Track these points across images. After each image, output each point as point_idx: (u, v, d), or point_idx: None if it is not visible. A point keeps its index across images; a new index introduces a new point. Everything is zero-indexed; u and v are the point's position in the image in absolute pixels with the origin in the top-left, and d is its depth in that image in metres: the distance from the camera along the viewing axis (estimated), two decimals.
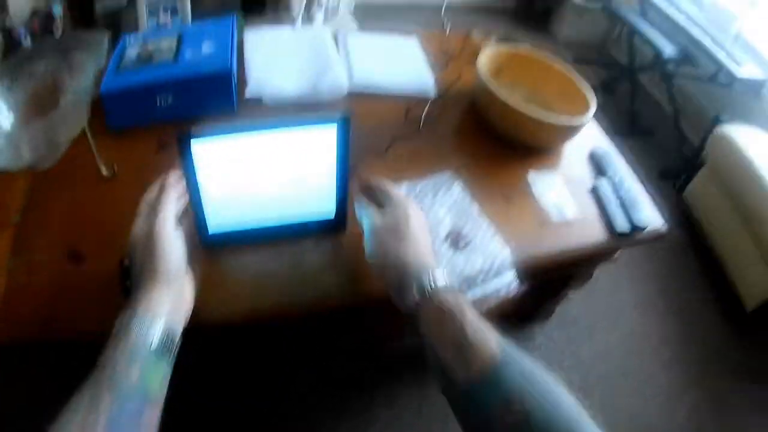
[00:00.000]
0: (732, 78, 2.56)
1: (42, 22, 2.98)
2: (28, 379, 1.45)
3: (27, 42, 2.86)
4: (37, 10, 3.03)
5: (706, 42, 2.66)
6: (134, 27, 2.96)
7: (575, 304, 2.13)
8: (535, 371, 0.67)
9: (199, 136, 0.97)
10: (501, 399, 0.62)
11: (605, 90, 3.39)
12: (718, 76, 2.69)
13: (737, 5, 2.90)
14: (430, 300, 0.74)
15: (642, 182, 1.45)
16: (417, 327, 0.76)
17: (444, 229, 1.19)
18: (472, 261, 1.15)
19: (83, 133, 1.19)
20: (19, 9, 3.02)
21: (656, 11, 3.01)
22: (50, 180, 1.27)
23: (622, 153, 1.54)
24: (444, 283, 0.76)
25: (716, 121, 2.45)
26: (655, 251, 2.47)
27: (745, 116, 2.55)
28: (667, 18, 2.93)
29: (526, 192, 1.36)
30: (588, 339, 2.09)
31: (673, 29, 2.92)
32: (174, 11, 2.95)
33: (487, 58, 1.53)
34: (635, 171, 1.47)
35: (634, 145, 2.89)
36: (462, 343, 0.68)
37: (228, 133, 0.99)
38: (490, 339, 0.69)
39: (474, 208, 1.25)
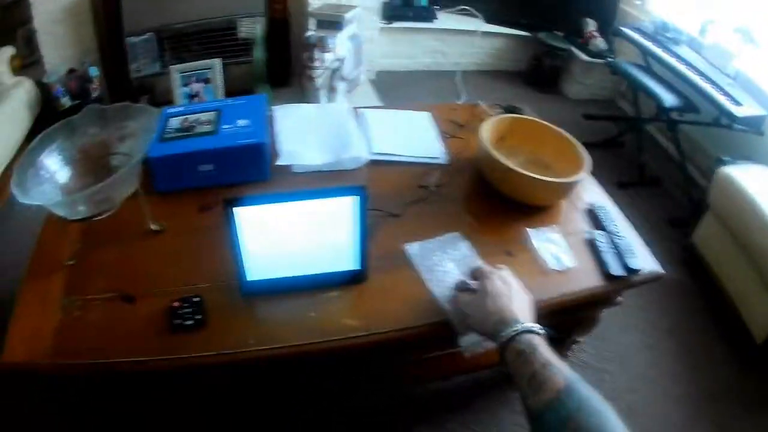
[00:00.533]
0: (733, 118, 2.65)
1: (79, 82, 3.22)
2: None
3: (66, 100, 3.10)
4: (74, 69, 3.28)
5: (706, 87, 2.76)
6: (168, 93, 3.21)
7: (586, 349, 2.24)
8: (593, 400, 0.83)
9: (242, 204, 1.17)
10: (562, 423, 0.79)
11: (615, 143, 3.51)
12: (720, 119, 2.78)
13: (735, 42, 2.99)
14: (512, 341, 0.97)
15: (649, 230, 1.58)
16: (505, 363, 0.98)
17: (451, 279, 1.35)
18: None
19: (134, 194, 1.39)
20: (55, 67, 3.28)
21: (659, 62, 3.15)
22: (102, 230, 1.46)
23: (632, 204, 1.67)
24: (528, 329, 0.99)
25: (719, 162, 2.51)
26: (665, 294, 2.54)
27: (749, 154, 2.63)
28: (668, 67, 3.06)
29: (526, 246, 1.52)
30: (599, 382, 2.16)
31: (674, 78, 3.05)
32: (206, 80, 3.18)
33: (489, 126, 1.71)
34: (644, 220, 1.59)
35: (643, 195, 3.03)
36: (533, 375, 0.88)
37: (265, 202, 1.20)
38: (556, 373, 0.87)
39: (478, 263, 1.42)
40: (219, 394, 1.63)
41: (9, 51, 3.17)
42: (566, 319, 1.82)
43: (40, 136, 1.37)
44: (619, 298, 1.67)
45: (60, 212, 1.30)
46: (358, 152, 1.72)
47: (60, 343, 1.22)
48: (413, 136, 1.89)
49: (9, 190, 2.46)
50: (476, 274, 1.19)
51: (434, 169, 1.75)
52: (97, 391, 1.50)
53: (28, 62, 3.44)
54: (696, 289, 2.60)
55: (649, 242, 1.57)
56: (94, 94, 3.21)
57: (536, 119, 1.81)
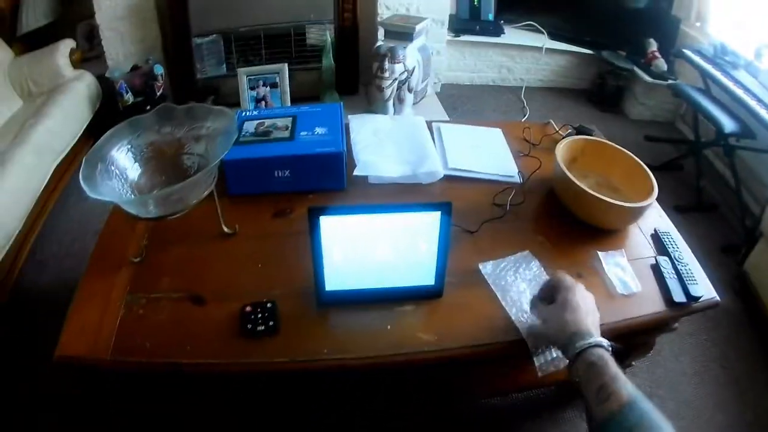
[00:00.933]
0: None
1: (143, 79, 3.27)
2: None
3: (128, 96, 3.15)
4: (138, 66, 3.33)
5: (763, 113, 2.73)
6: (234, 95, 3.24)
7: (638, 372, 2.23)
8: (654, 416, 0.89)
9: (327, 213, 1.19)
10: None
11: (673, 167, 3.47)
12: None
13: None
14: (585, 352, 1.03)
15: (702, 256, 1.58)
16: (573, 374, 1.05)
17: (525, 299, 1.37)
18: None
19: (207, 195, 1.40)
20: (117, 63, 3.33)
21: (718, 85, 3.12)
22: (172, 230, 1.50)
23: (687, 228, 1.66)
24: (600, 343, 1.06)
25: None
26: (716, 323, 2.52)
27: None
28: (726, 90, 3.02)
29: (595, 269, 1.53)
30: None
31: (732, 102, 3.02)
32: (273, 85, 3.21)
33: (563, 148, 1.73)
34: (698, 245, 1.58)
35: (699, 220, 3.00)
36: (601, 387, 0.94)
37: (350, 213, 1.22)
38: (622, 387, 0.93)
39: (560, 273, 1.43)
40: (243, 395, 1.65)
41: (70, 44, 3.25)
42: (624, 343, 1.82)
43: (110, 131, 1.39)
44: (676, 324, 1.67)
45: (131, 210, 1.32)
46: (435, 167, 1.75)
47: (122, 340, 1.25)
48: (487, 153, 1.91)
49: (67, 182, 2.54)
50: (557, 283, 1.21)
51: (509, 188, 1.77)
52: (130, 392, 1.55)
53: (88, 57, 3.52)
54: (746, 318, 2.56)
55: (702, 268, 1.57)
56: (159, 92, 3.25)
57: (607, 141, 1.82)
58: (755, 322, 2.52)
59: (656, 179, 1.65)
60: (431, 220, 1.23)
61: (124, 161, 1.39)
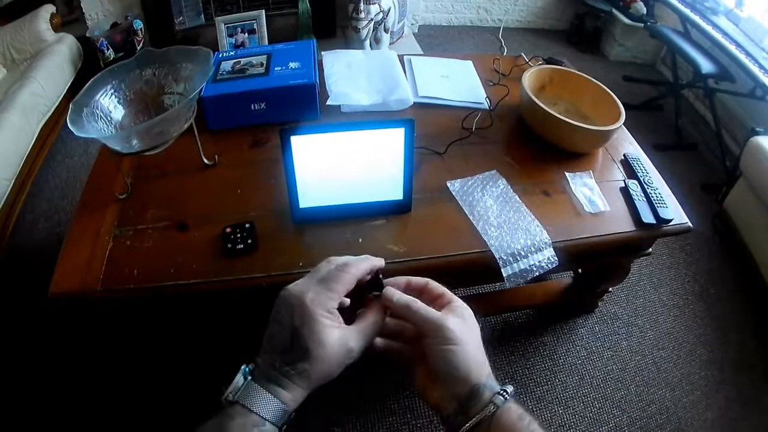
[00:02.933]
0: (767, 91, 2.67)
1: (124, 35, 3.29)
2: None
3: (109, 53, 3.17)
4: (117, 23, 3.35)
5: (742, 58, 2.76)
6: (213, 45, 3.24)
7: (617, 301, 2.30)
8: None
9: (298, 133, 1.24)
10: None
11: (653, 107, 3.51)
12: (755, 91, 2.80)
13: None
14: (503, 407, 0.61)
15: (682, 194, 1.63)
16: None
17: (492, 215, 1.42)
18: (516, 238, 1.38)
19: (187, 130, 1.45)
20: (98, 22, 3.35)
21: (697, 29, 3.13)
22: (155, 165, 1.57)
23: (667, 166, 1.70)
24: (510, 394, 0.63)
25: (753, 133, 2.52)
26: (696, 258, 2.58)
27: None
28: (706, 35, 3.05)
29: (563, 189, 1.58)
30: (627, 335, 2.21)
31: (712, 47, 3.05)
32: (251, 31, 3.23)
33: (531, 75, 1.77)
34: (678, 183, 1.62)
35: (678, 159, 3.04)
36: None
37: (319, 131, 1.27)
38: None
39: (516, 199, 1.48)
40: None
41: (50, 9, 3.26)
42: (597, 266, 1.88)
43: (95, 78, 1.44)
44: (649, 249, 1.72)
45: (114, 146, 1.37)
46: (405, 94, 1.80)
47: (111, 271, 1.31)
48: (457, 83, 1.96)
49: (53, 141, 2.55)
50: (437, 297, 0.70)
51: (477, 113, 1.81)
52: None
53: (68, 20, 3.53)
54: (726, 255, 2.62)
55: (682, 204, 1.60)
56: (139, 47, 3.28)
57: (575, 71, 1.85)
58: (735, 261, 2.57)
59: (635, 119, 1.70)
60: (396, 136, 1.28)
61: (109, 104, 1.45)
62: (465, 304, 0.68)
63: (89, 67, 3.20)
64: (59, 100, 2.96)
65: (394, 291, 0.67)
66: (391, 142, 1.30)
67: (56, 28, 3.23)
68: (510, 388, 0.63)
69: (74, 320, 2.00)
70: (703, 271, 2.52)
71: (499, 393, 0.62)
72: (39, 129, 2.76)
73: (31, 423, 1.81)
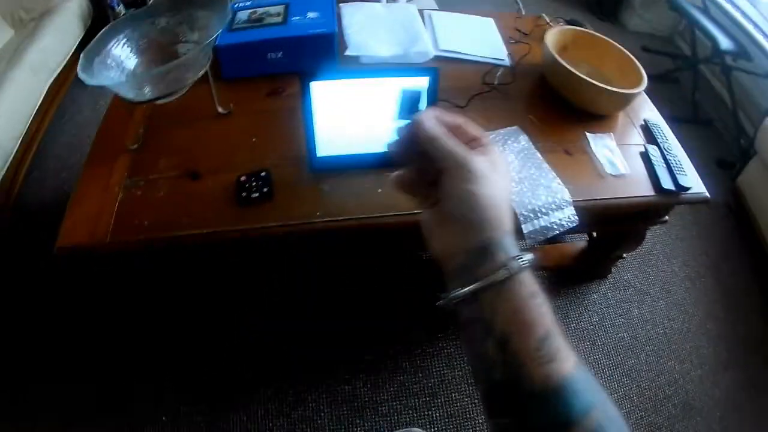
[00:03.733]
0: None
1: None
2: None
3: (120, 8, 3.11)
4: None
5: (760, 38, 2.74)
6: None
7: (630, 269, 2.28)
8: (602, 389, 0.51)
9: (318, 78, 1.21)
10: (580, 409, 0.48)
11: (670, 79, 3.45)
12: None
13: None
14: (516, 276, 0.50)
15: (697, 167, 1.58)
16: (477, 308, 0.52)
17: (514, 170, 1.39)
18: (537, 195, 1.36)
19: (201, 79, 1.42)
20: None
21: (716, 7, 3.10)
22: (168, 114, 1.54)
23: (682, 139, 1.67)
24: (527, 261, 0.52)
25: (767, 113, 2.50)
26: (709, 232, 2.55)
27: None
28: (725, 14, 3.01)
29: (584, 149, 1.56)
30: (639, 303, 2.19)
31: (731, 25, 3.01)
32: None
33: (554, 35, 1.73)
34: (693, 156, 1.60)
35: (694, 133, 2.99)
36: (546, 336, 0.50)
37: (340, 77, 1.24)
38: (565, 338, 0.51)
39: (538, 155, 1.46)
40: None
41: None
42: (614, 231, 1.85)
43: (107, 27, 1.41)
44: (666, 217, 1.70)
45: (127, 94, 1.34)
46: (426, 47, 1.77)
47: (121, 222, 1.29)
48: (478, 38, 1.92)
49: (62, 99, 2.52)
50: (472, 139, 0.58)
51: (498, 69, 1.78)
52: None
53: None
54: (738, 232, 2.59)
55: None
56: (150, 1, 3.23)
57: (598, 34, 1.82)
58: (747, 238, 2.54)
59: (651, 89, 1.66)
60: (420, 85, 1.24)
61: (121, 53, 1.42)
62: (498, 151, 0.58)
63: (100, 25, 3.16)
64: (68, 57, 2.91)
65: (426, 119, 0.56)
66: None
67: None
68: (530, 256, 0.51)
69: (81, 278, 2.00)
70: (715, 246, 2.49)
71: (514, 258, 0.51)
72: (47, 86, 2.73)
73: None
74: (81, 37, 3.06)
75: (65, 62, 2.88)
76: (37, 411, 1.74)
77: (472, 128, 0.58)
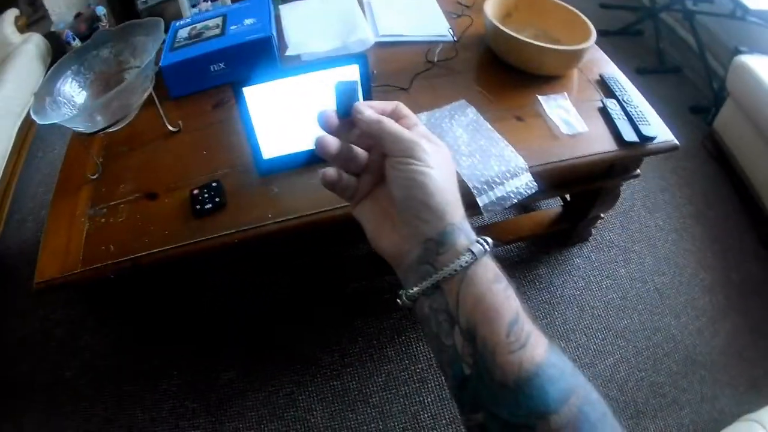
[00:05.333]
0: (746, 10, 2.59)
1: (88, 23, 3.25)
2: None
3: (76, 43, 3.13)
4: (81, 12, 3.29)
5: None
6: (178, 17, 3.18)
7: (612, 228, 2.25)
8: (579, 371, 0.48)
9: (249, 83, 1.22)
10: (558, 397, 0.45)
11: (632, 32, 3.41)
12: (735, 11, 2.73)
13: None
14: (480, 260, 0.49)
15: (670, 117, 1.57)
16: (443, 294, 0.50)
17: (463, 144, 1.38)
18: (490, 166, 1.35)
19: (148, 101, 1.46)
20: (61, 14, 3.31)
21: None
22: (122, 140, 1.56)
23: (652, 90, 1.66)
24: (484, 243, 0.51)
25: (736, 53, 2.46)
26: (689, 180, 2.51)
27: (763, 47, 2.58)
28: None
29: (537, 112, 1.54)
30: (625, 261, 2.16)
31: None
32: None
33: (495, 3, 1.72)
34: (665, 106, 1.58)
35: (664, 82, 2.98)
36: (515, 320, 0.48)
37: (270, 79, 1.24)
38: (534, 321, 0.50)
39: (487, 126, 1.44)
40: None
41: (13, 12, 3.22)
42: (584, 191, 1.83)
43: (53, 67, 1.46)
44: (637, 171, 1.68)
45: (79, 127, 1.38)
46: (364, 35, 1.75)
47: (89, 251, 1.30)
48: (419, 17, 1.91)
49: (31, 140, 2.53)
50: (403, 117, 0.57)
51: (440, 45, 1.76)
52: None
53: (34, 19, 3.49)
54: (720, 176, 2.55)
55: (671, 126, 1.55)
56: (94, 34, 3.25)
57: None
58: (729, 181, 2.51)
59: (615, 45, 1.68)
60: (351, 74, 1.24)
61: (70, 90, 1.46)
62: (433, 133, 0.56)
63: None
64: (33, 99, 2.93)
65: (365, 107, 0.55)
66: None
67: (22, 30, 3.20)
68: (490, 240, 0.50)
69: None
70: (698, 193, 2.46)
71: (477, 242, 0.50)
72: (16, 131, 2.74)
73: None
74: (43, 78, 3.07)
75: (30, 104, 2.89)
76: None
77: (404, 110, 0.57)
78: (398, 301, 0.53)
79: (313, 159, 1.33)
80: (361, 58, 1.22)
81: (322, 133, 0.57)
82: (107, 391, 1.87)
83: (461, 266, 0.48)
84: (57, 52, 3.22)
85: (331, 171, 0.57)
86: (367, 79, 1.25)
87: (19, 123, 2.78)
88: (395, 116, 0.56)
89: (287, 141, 1.34)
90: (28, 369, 1.96)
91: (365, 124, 0.54)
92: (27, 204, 2.59)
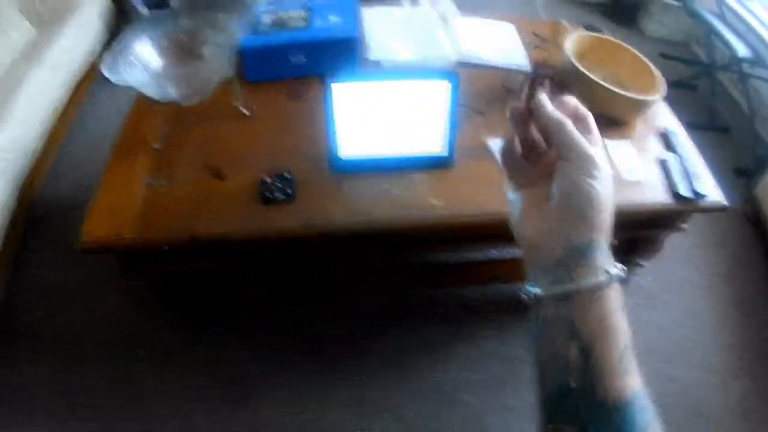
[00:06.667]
0: None
1: None
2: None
3: (144, 10, 3.13)
4: None
5: None
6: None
7: (643, 274, 2.21)
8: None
9: (340, 80, 1.24)
10: (640, 428, 0.47)
11: (687, 86, 3.44)
12: None
13: None
14: (613, 284, 0.50)
15: (713, 175, 1.58)
16: (573, 306, 0.50)
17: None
18: None
19: (225, 81, 1.48)
20: None
21: (733, 13, 3.10)
22: (191, 115, 1.57)
23: (698, 146, 1.68)
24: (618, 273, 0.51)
25: None
26: (725, 240, 2.54)
27: None
28: (742, 20, 3.02)
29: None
30: (651, 307, 2.19)
31: (747, 31, 3.01)
32: None
33: (573, 41, 1.74)
34: (709, 164, 1.60)
35: (710, 141, 2.98)
36: (625, 350, 0.50)
37: (363, 79, 1.26)
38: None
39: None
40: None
41: None
42: (631, 238, 1.85)
43: (131, 27, 1.47)
44: (684, 225, 1.69)
45: (150, 94, 1.38)
46: (446, 52, 1.78)
47: (144, 219, 1.32)
48: (499, 44, 1.93)
49: (84, 99, 2.55)
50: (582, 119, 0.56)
51: (519, 74, 1.78)
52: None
53: None
54: (755, 241, 2.56)
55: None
56: (173, 2, 3.25)
57: (615, 40, 1.82)
58: (763, 247, 2.52)
59: (669, 96, 1.66)
60: (440, 89, 1.27)
61: (146, 53, 1.47)
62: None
63: (123, 26, 3.19)
64: (91, 57, 2.94)
65: (548, 101, 0.55)
66: (435, 95, 1.29)
67: None
68: (624, 267, 0.50)
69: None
70: (731, 255, 2.48)
71: (613, 265, 0.50)
72: (69, 86, 2.76)
73: None
74: (103, 37, 3.09)
75: (87, 61, 2.91)
76: None
77: (586, 115, 0.56)
78: (522, 294, 0.54)
79: (388, 165, 1.37)
80: (454, 75, 1.25)
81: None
82: (117, 352, 1.90)
83: (598, 285, 0.49)
84: (119, 16, 3.24)
85: (510, 142, 0.59)
86: (456, 96, 1.28)
87: (74, 78, 2.80)
88: (574, 115, 0.56)
89: (366, 143, 1.37)
90: (42, 317, 2.00)
91: (545, 119, 0.54)
92: (71, 159, 2.62)
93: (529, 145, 0.59)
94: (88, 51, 2.94)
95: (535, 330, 0.53)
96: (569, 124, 0.53)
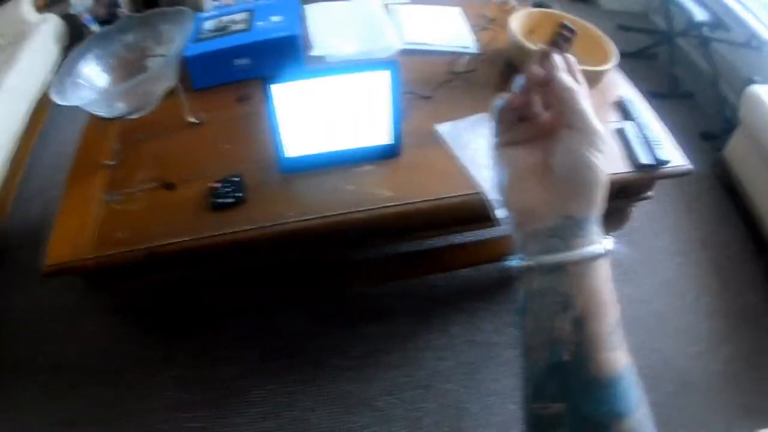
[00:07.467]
0: (762, 42, 2.63)
1: (106, 7, 3.25)
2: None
3: (95, 27, 3.13)
4: None
5: (736, 8, 2.74)
6: (197, 7, 3.17)
7: (617, 245, 2.23)
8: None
9: (279, 80, 1.23)
10: (633, 403, 0.47)
11: (648, 55, 3.46)
12: (751, 41, 2.76)
13: None
14: (606, 258, 0.50)
15: (680, 142, 1.56)
16: (566, 277, 0.49)
17: (483, 156, 1.39)
18: None
19: (171, 91, 1.47)
20: None
21: None
22: (141, 128, 1.56)
23: (663, 115, 1.66)
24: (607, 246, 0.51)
25: (749, 82, 2.48)
26: (697, 204, 2.54)
27: None
28: None
29: None
30: (628, 281, 2.16)
31: None
32: None
33: (519, 18, 1.72)
34: (676, 131, 1.59)
35: (676, 107, 2.99)
36: (617, 324, 0.50)
37: (301, 78, 1.25)
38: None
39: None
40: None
41: None
42: None
43: (76, 48, 1.45)
44: (650, 193, 1.68)
45: (99, 111, 1.38)
46: (390, 42, 1.77)
47: (103, 237, 1.30)
48: (444, 28, 1.92)
49: (44, 121, 2.54)
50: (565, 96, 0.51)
51: (464, 57, 1.78)
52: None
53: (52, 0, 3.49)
54: (728, 203, 2.57)
55: (681, 150, 1.56)
56: (120, 19, 3.24)
57: (563, 13, 1.81)
58: (737, 209, 2.53)
59: (629, 67, 1.67)
60: (382, 79, 1.26)
61: (92, 73, 1.46)
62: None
63: (76, 44, 3.18)
64: (47, 79, 2.93)
65: (562, 64, 0.54)
66: (377, 86, 1.28)
67: (40, 10, 3.21)
68: (612, 239, 0.51)
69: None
70: (705, 219, 2.48)
71: (605, 237, 0.50)
72: (29, 110, 2.74)
73: None
74: (59, 59, 3.07)
75: (45, 85, 2.89)
76: None
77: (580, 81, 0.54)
78: (508, 263, 0.53)
79: (337, 160, 1.36)
80: (393, 64, 1.24)
81: None
82: (107, 378, 1.88)
83: (594, 254, 0.49)
84: (73, 35, 3.23)
85: (511, 96, 0.57)
86: (398, 85, 1.27)
87: (32, 102, 2.79)
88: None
89: (311, 141, 1.36)
90: (29, 349, 1.98)
91: (557, 83, 0.52)
92: (35, 184, 2.60)
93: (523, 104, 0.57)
94: (45, 74, 2.93)
95: (522, 304, 0.52)
96: (581, 92, 0.52)
